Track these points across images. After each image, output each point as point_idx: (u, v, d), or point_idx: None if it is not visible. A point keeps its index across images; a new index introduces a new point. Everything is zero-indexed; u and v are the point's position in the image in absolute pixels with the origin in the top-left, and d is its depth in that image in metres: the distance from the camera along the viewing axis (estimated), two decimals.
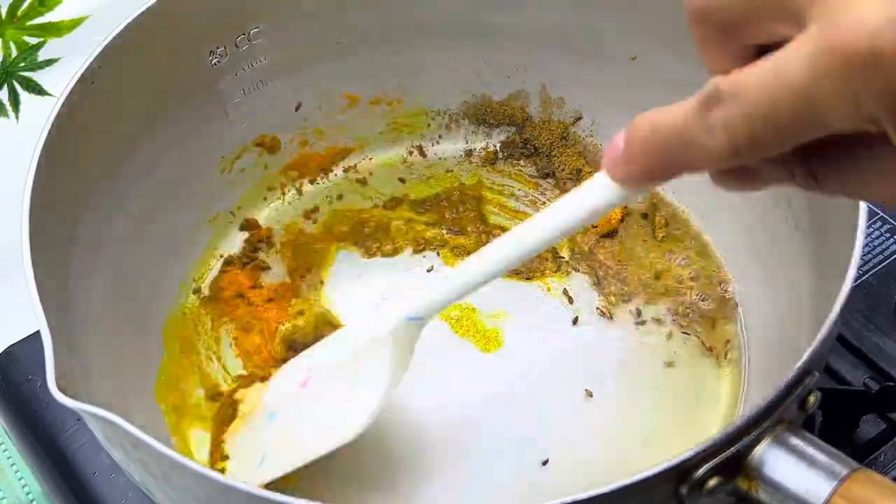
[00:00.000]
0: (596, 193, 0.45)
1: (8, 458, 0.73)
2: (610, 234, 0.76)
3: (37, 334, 0.70)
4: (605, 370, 0.69)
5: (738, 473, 0.50)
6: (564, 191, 0.79)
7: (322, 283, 0.75)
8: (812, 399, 0.52)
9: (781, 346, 0.66)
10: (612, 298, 0.72)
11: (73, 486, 0.67)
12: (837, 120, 0.35)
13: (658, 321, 0.71)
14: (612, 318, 0.72)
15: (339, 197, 0.80)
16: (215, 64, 0.73)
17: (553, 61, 0.78)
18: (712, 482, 0.49)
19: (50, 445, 0.68)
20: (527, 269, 0.74)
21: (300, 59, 0.77)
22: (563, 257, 0.75)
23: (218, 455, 0.66)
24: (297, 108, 0.79)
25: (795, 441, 0.50)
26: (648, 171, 0.41)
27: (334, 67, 0.78)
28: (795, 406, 0.51)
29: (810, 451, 0.50)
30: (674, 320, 0.71)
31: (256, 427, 0.65)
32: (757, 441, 0.50)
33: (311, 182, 0.80)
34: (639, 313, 0.72)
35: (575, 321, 0.72)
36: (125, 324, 0.68)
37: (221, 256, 0.76)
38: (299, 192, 0.80)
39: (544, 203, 0.78)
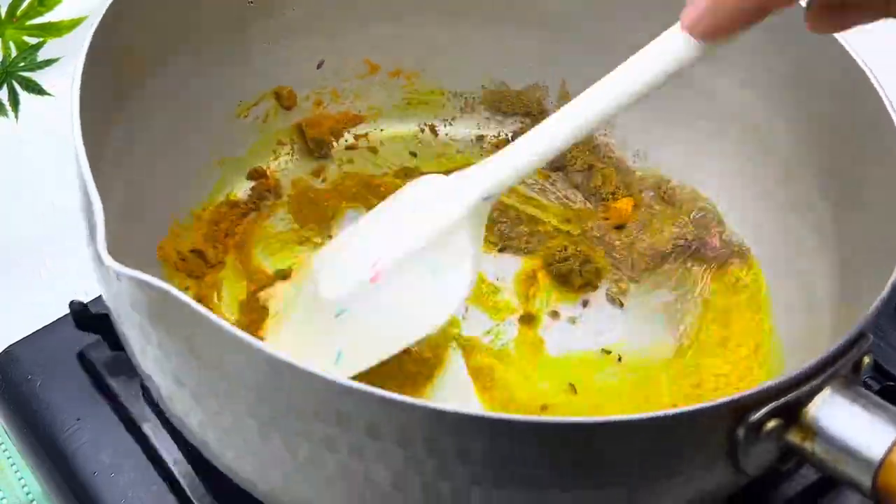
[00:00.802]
0: (672, 52, 0.50)
1: (8, 458, 0.72)
2: (620, 227, 0.76)
3: (36, 334, 0.70)
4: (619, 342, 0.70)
5: (796, 421, 0.50)
6: (574, 185, 0.79)
7: (331, 237, 0.73)
8: (866, 361, 0.52)
9: (797, 342, 0.67)
10: (623, 285, 0.72)
11: (73, 486, 0.65)
12: None
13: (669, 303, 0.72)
14: (622, 306, 0.71)
15: (350, 161, 0.78)
16: (252, 3, 0.72)
17: (577, 57, 0.79)
18: (770, 425, 0.49)
19: (50, 445, 0.66)
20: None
21: (330, 16, 0.76)
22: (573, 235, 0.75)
23: None
24: (318, 66, 0.78)
25: (853, 395, 0.50)
26: (738, 14, 0.45)
27: (361, 31, 0.77)
28: (850, 366, 0.51)
29: (869, 406, 0.50)
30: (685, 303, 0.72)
31: (321, 325, 0.62)
32: (815, 392, 0.50)
33: (323, 139, 0.78)
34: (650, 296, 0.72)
35: (585, 304, 0.72)
36: (132, 243, 0.65)
37: (228, 198, 0.74)
38: (311, 145, 0.78)
39: (555, 193, 0.78)
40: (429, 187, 0.62)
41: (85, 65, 0.58)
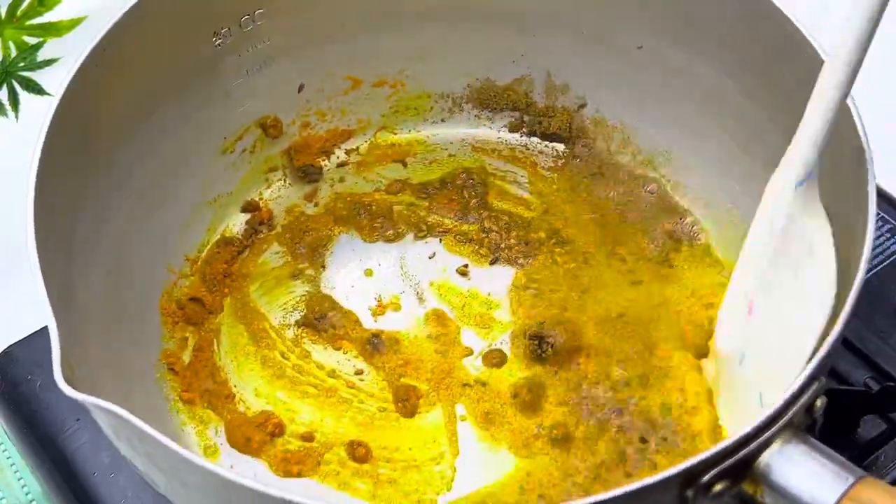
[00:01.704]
0: None
1: (7, 458, 0.73)
2: None
3: (36, 334, 0.72)
4: None
5: (745, 478, 0.50)
6: None
7: (324, 267, 0.74)
8: (819, 403, 0.52)
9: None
10: None
11: (73, 486, 0.67)
12: None
13: None
14: None
15: (341, 180, 0.79)
16: (219, 45, 0.72)
17: (559, 48, 0.78)
18: (718, 487, 0.49)
19: (49, 445, 0.68)
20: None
21: (304, 41, 0.76)
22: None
23: None
24: (299, 90, 0.78)
25: (803, 448, 0.50)
26: None
27: (337, 49, 0.77)
28: (803, 412, 0.51)
29: (818, 457, 0.50)
30: None
31: (736, 381, 0.63)
32: (765, 446, 0.50)
33: (313, 164, 0.79)
34: None
35: None
36: (125, 309, 0.68)
37: (223, 236, 0.75)
38: (300, 174, 0.79)
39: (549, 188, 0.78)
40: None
41: (47, 136, 0.59)
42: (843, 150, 0.60)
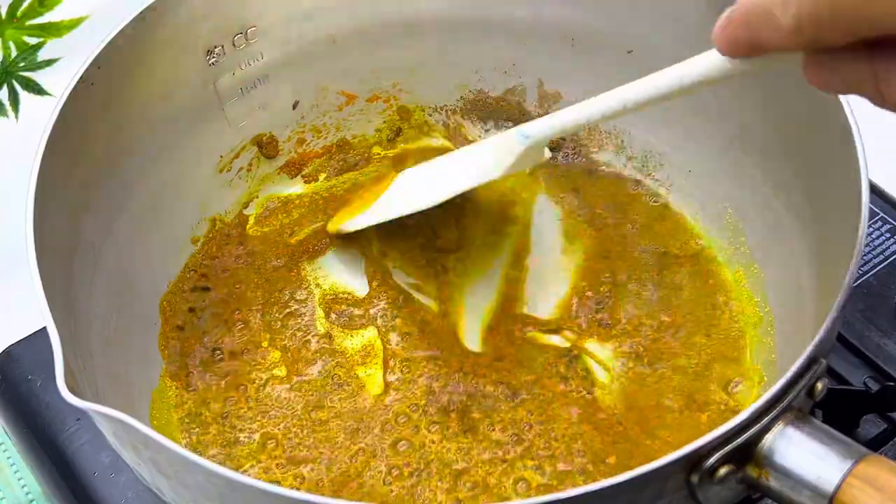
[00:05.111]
0: (703, 62, 0.51)
1: (8, 458, 0.73)
2: None
3: (36, 335, 0.72)
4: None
5: (749, 461, 0.50)
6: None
7: (326, 276, 0.75)
8: (820, 386, 0.52)
9: (784, 333, 0.67)
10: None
11: (73, 486, 0.67)
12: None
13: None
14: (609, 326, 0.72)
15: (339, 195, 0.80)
16: (213, 63, 0.73)
17: (549, 56, 0.79)
18: (723, 470, 0.49)
19: (50, 445, 0.68)
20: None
21: (297, 58, 0.77)
22: None
23: None
24: (294, 107, 0.79)
25: (805, 429, 0.50)
26: (735, 40, 0.46)
27: (331, 65, 0.78)
28: (804, 394, 0.51)
29: (820, 438, 0.50)
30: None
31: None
32: (767, 429, 0.50)
33: (310, 180, 0.80)
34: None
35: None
36: (127, 323, 0.68)
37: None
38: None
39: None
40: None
41: (37, 181, 0.59)
42: (833, 138, 0.60)
